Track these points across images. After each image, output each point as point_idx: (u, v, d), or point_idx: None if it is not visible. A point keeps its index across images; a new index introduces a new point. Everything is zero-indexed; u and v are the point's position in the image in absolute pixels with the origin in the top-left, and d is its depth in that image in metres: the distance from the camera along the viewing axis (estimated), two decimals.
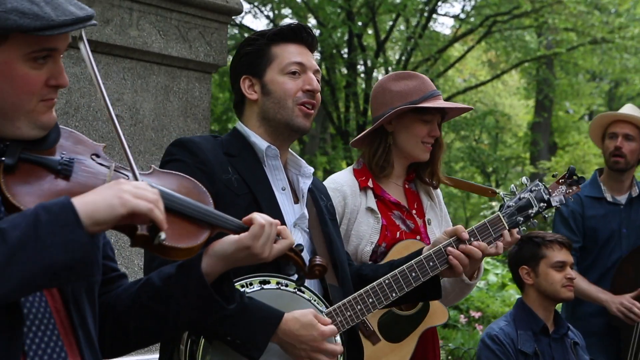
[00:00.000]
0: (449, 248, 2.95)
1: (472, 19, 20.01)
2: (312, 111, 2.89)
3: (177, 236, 2.03)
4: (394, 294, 2.89)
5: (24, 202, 1.90)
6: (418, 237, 3.61)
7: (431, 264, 2.95)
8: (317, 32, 20.29)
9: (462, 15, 20.63)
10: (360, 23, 18.73)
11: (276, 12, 21.53)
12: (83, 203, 1.82)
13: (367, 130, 3.70)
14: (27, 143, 1.99)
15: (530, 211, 3.13)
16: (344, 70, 19.74)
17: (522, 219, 3.12)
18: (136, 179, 2.00)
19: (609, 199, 5.16)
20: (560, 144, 24.98)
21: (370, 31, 19.50)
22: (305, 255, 2.78)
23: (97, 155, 2.08)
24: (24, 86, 1.95)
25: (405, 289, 2.91)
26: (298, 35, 2.90)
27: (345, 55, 19.23)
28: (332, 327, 2.62)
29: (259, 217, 2.22)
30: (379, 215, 3.58)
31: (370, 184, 3.64)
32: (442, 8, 21.36)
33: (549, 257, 4.25)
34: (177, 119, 4.38)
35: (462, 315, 10.27)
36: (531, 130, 24.28)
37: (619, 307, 4.82)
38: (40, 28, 1.89)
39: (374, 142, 3.68)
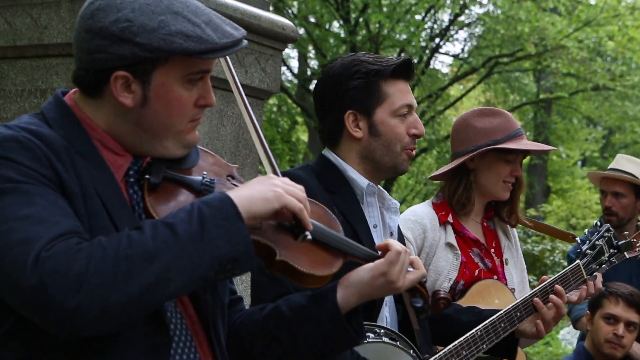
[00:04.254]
0: (535, 298, 2.98)
1: (471, 59, 20.16)
2: (413, 154, 2.88)
3: (314, 263, 2.02)
4: (484, 345, 2.89)
5: None
6: (495, 277, 3.58)
7: (518, 314, 2.96)
8: (317, 63, 20.42)
9: (463, 55, 20.77)
10: None
11: None
12: (239, 197, 1.83)
13: (448, 165, 3.67)
14: (170, 160, 1.99)
15: (602, 258, 3.23)
16: None
17: (597, 266, 3.23)
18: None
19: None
20: (554, 188, 25.10)
21: None
22: (390, 298, 2.77)
23: (232, 177, 2.09)
24: (178, 108, 1.95)
25: (494, 340, 2.92)
26: (409, 72, 2.84)
27: None
28: None
29: (395, 244, 2.18)
30: (459, 252, 3.54)
31: (450, 219, 3.60)
32: (444, 47, 21.52)
33: (604, 307, 4.19)
34: (229, 143, 4.34)
35: None
36: (527, 172, 24.40)
37: None
38: (204, 51, 1.89)
39: (455, 179, 3.64)
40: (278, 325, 2.12)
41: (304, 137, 23.34)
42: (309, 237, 1.93)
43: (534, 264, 12.71)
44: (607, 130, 26.57)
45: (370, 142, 2.81)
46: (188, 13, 1.91)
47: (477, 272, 3.56)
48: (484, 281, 3.50)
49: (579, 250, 3.22)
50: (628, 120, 20.41)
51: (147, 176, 1.95)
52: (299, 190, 1.92)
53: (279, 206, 1.86)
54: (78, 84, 1.97)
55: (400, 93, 2.81)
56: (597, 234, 3.26)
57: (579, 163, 28.10)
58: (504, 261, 3.68)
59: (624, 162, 5.13)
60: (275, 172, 2.07)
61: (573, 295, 3.12)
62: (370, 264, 2.16)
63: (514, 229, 3.83)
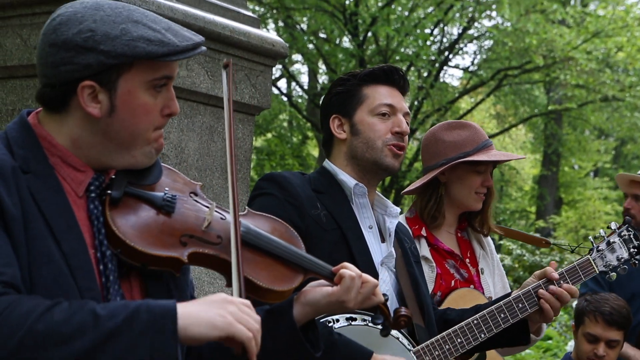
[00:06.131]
0: (540, 290, 2.96)
1: (481, 72, 20.18)
2: (401, 152, 2.90)
3: (273, 278, 2.06)
4: (482, 335, 2.89)
5: (127, 235, 1.93)
6: (472, 286, 3.60)
7: (520, 305, 2.95)
8: (327, 78, 20.49)
9: (473, 68, 20.79)
10: None
11: (286, 59, 21.67)
12: (186, 314, 1.80)
13: (420, 180, 3.71)
14: (132, 176, 2.02)
15: (620, 256, 3.16)
16: None
17: (612, 263, 3.16)
18: (236, 222, 1.99)
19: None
20: (566, 199, 25.04)
21: None
22: (392, 296, 2.77)
23: (195, 194, 2.11)
24: (144, 115, 1.99)
25: (493, 330, 2.92)
26: (390, 77, 2.93)
27: None
28: None
29: (349, 271, 2.20)
30: (434, 264, 3.57)
31: (423, 232, 3.64)
32: (453, 60, 21.53)
33: (585, 325, 4.14)
34: (220, 159, 4.38)
35: None
36: (538, 184, 24.34)
37: None
38: (167, 54, 1.95)
39: (426, 193, 3.69)
40: None
41: (315, 152, 23.40)
42: None
43: None
44: (618, 141, 26.48)
45: (352, 141, 2.91)
46: (147, 21, 1.98)
47: (453, 282, 3.59)
48: (460, 290, 3.53)
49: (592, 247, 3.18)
50: (638, 130, 20.34)
51: (108, 191, 1.98)
52: (253, 320, 1.85)
53: (225, 335, 1.81)
54: (43, 101, 2.01)
55: (380, 95, 2.90)
56: (614, 233, 3.22)
57: (591, 174, 28.02)
58: (480, 270, 3.71)
59: None
60: (234, 216, 2.00)
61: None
62: (328, 289, 2.18)
63: (489, 238, 3.86)
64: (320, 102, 3.08)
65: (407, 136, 2.91)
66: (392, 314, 2.32)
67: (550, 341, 11.14)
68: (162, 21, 2.01)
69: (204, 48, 2.05)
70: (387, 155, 2.88)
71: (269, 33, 4.67)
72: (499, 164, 3.78)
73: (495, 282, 3.75)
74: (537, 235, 4.31)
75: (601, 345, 4.09)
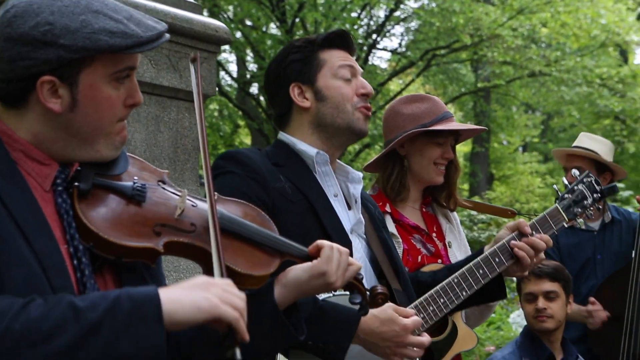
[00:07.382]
0: (513, 242, 2.95)
1: (409, 53, 20.31)
2: (369, 113, 2.86)
3: (251, 264, 2.02)
4: (464, 293, 2.90)
5: (100, 227, 1.86)
6: (440, 261, 3.60)
7: (497, 259, 2.96)
8: (255, 66, 20.39)
9: (401, 50, 20.91)
10: None
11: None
12: (169, 299, 1.71)
13: (380, 154, 3.70)
14: (98, 167, 1.95)
15: (585, 202, 3.21)
16: None
17: (579, 210, 3.20)
18: (212, 210, 1.94)
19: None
20: (497, 175, 25.41)
21: None
22: (366, 263, 2.74)
23: (163, 182, 2.05)
24: (108, 109, 1.92)
25: (474, 286, 2.92)
26: (344, 40, 2.88)
27: None
28: (416, 318, 2.56)
29: (326, 242, 2.18)
30: (400, 240, 3.55)
31: (387, 208, 3.62)
32: (381, 42, 21.62)
33: (523, 288, 4.31)
34: (167, 149, 4.30)
35: None
36: (470, 161, 24.64)
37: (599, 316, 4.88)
38: (131, 46, 1.87)
39: (388, 167, 3.66)
40: None
41: (247, 140, 23.29)
42: (239, 356, 1.75)
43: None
44: (545, 115, 26.96)
45: (319, 108, 2.82)
46: (108, 11, 1.89)
47: (420, 258, 3.58)
48: (429, 266, 3.52)
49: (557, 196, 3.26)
50: (565, 104, 20.72)
51: (76, 183, 1.91)
52: (238, 298, 1.77)
53: (211, 317, 1.73)
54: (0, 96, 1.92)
55: (338, 58, 2.85)
56: (577, 180, 3.28)
57: (520, 149, 28.47)
58: (447, 244, 3.71)
59: (585, 140, 5.27)
60: (211, 205, 1.95)
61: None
62: (308, 264, 2.15)
63: (455, 212, 3.86)
64: (269, 73, 2.95)
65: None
66: (368, 292, 2.29)
67: (493, 315, 11.32)
68: (123, 9, 1.92)
69: (167, 36, 1.98)
70: (359, 119, 2.82)
71: (212, 19, 4.59)
72: (458, 135, 3.76)
73: (461, 255, 3.76)
74: (505, 207, 4.37)
75: (540, 300, 4.22)
